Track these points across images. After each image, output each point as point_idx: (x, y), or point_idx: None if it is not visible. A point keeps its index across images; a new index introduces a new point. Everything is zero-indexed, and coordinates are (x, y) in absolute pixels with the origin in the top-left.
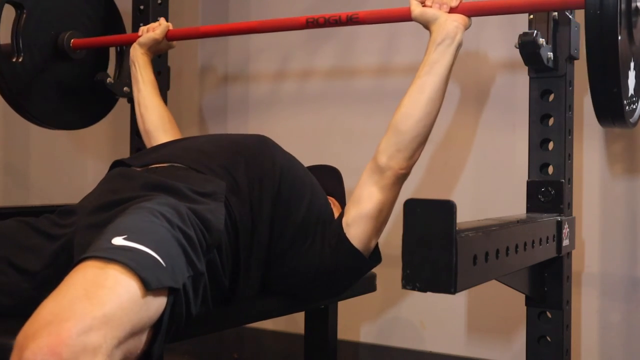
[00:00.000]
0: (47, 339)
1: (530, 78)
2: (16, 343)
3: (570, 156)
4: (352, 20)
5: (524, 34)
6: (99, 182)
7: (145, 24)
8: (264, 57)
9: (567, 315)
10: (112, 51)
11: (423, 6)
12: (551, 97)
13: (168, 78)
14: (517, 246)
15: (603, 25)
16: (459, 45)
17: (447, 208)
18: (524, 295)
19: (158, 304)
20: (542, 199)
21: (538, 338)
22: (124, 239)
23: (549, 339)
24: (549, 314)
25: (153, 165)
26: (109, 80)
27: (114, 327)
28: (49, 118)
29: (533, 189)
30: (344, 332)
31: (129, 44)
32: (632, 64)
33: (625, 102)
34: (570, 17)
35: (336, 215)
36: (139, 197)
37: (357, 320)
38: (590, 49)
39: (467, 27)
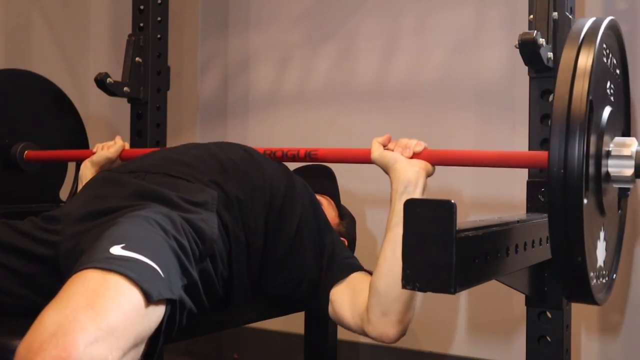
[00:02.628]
0: (54, 351)
1: (530, 78)
2: (18, 354)
3: None
4: (310, 157)
5: (524, 34)
6: (83, 187)
7: (145, 24)
8: (264, 57)
9: (567, 315)
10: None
11: (385, 148)
12: (551, 97)
13: (168, 78)
14: (517, 246)
15: (567, 187)
16: (424, 190)
17: (447, 208)
18: (524, 295)
19: (158, 314)
20: (542, 199)
21: (538, 338)
22: (122, 247)
23: (549, 339)
24: (549, 314)
25: (141, 172)
26: (109, 80)
27: (119, 338)
28: None
29: (533, 189)
30: (344, 332)
31: (84, 159)
32: (601, 234)
33: (592, 274)
34: (570, 17)
35: (329, 217)
36: (129, 207)
37: None
38: (552, 211)
39: (429, 174)
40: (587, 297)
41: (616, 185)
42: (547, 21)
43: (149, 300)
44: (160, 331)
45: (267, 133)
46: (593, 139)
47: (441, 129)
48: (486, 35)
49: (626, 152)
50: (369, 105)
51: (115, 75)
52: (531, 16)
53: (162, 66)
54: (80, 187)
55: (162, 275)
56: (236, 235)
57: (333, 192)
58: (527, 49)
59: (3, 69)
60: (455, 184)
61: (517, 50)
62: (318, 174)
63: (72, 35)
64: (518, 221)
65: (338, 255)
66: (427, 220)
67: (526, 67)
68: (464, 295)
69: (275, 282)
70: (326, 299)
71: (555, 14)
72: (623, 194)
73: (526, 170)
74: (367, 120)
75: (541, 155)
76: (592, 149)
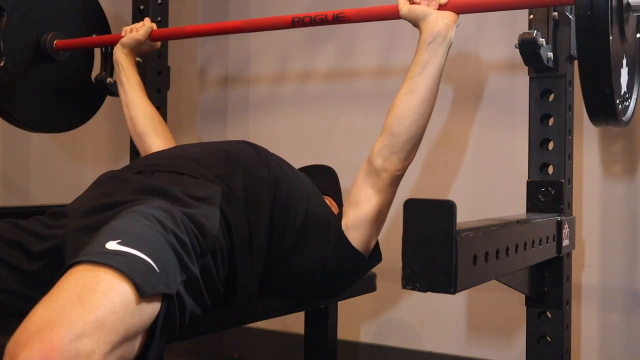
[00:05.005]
0: (39, 346)
1: (530, 78)
2: (7, 350)
3: (570, 156)
4: (338, 19)
5: (524, 33)
6: (89, 185)
7: None
8: (264, 57)
9: (567, 315)
10: (97, 52)
11: (411, 3)
12: (551, 97)
13: (168, 78)
14: (517, 246)
15: (594, 26)
16: (450, 44)
17: (447, 208)
18: (524, 295)
19: (151, 309)
20: (542, 199)
21: (538, 338)
22: (118, 243)
23: (549, 339)
24: (549, 314)
25: (148, 172)
26: (109, 80)
27: (106, 332)
28: (34, 121)
29: (533, 189)
30: (344, 332)
31: (113, 44)
32: (624, 61)
33: (617, 101)
34: (570, 17)
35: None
36: (132, 200)
37: (357, 320)
38: (581, 51)
39: (457, 25)
40: (615, 121)
41: (635, 14)
42: (547, 21)
43: (142, 294)
44: (157, 326)
45: (267, 133)
46: None
47: (441, 129)
48: (486, 35)
49: None
50: (369, 105)
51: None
52: (531, 16)
53: (162, 66)
54: (118, 69)
55: (157, 270)
56: (239, 232)
57: (335, 192)
58: (527, 49)
59: None
60: (455, 184)
61: (517, 50)
62: (320, 173)
63: None
64: (518, 221)
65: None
66: (427, 220)
67: (526, 67)
68: (464, 295)
69: (282, 275)
70: (345, 240)
71: (555, 14)
72: None
73: (526, 170)
74: (367, 120)
75: None
76: None
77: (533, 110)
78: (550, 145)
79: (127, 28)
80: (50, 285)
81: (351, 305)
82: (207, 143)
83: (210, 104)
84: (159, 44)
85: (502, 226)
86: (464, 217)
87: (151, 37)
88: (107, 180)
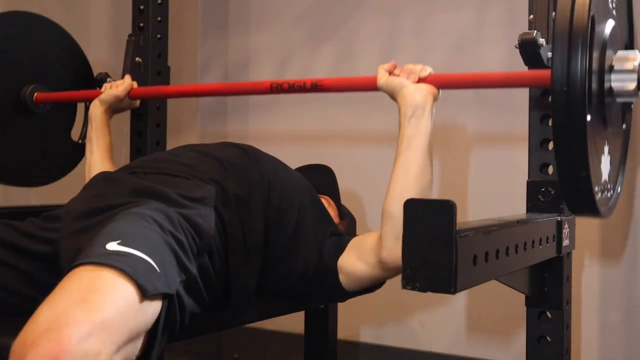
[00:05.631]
0: (47, 345)
1: None
2: (13, 350)
3: None
4: (316, 87)
5: (524, 33)
6: (83, 187)
7: (145, 24)
8: (264, 57)
9: (567, 315)
10: (81, 106)
11: (390, 74)
12: (551, 97)
13: (168, 78)
14: (517, 246)
15: (570, 103)
16: (432, 114)
17: (447, 208)
18: (524, 295)
19: (153, 309)
20: (542, 199)
21: (538, 338)
22: (118, 244)
23: (549, 339)
24: (549, 314)
25: (141, 173)
26: (109, 80)
27: (112, 333)
28: (10, 176)
29: (533, 189)
30: (344, 332)
31: (93, 99)
32: (605, 148)
33: (596, 188)
34: None
35: (331, 213)
36: (127, 203)
37: (357, 320)
38: (556, 128)
39: (436, 98)
40: (592, 210)
41: (619, 100)
42: (547, 21)
43: (144, 294)
44: (158, 326)
45: (267, 133)
46: (596, 54)
47: (441, 130)
48: (486, 35)
49: (629, 66)
50: (369, 105)
51: (116, 75)
52: (531, 16)
53: (162, 66)
54: (90, 126)
55: (158, 270)
56: (234, 232)
57: (333, 192)
58: (527, 49)
59: (10, 11)
60: (456, 184)
61: (517, 50)
62: (317, 173)
63: (72, 35)
64: (518, 221)
65: (339, 238)
66: (427, 220)
67: (526, 67)
68: (464, 295)
69: (277, 277)
70: (335, 275)
71: (555, 13)
72: (627, 108)
73: (526, 170)
74: (367, 120)
75: (544, 73)
76: (595, 64)
77: (533, 110)
78: (550, 145)
79: (108, 84)
80: (48, 287)
81: (351, 305)
82: (199, 149)
83: (210, 104)
84: (138, 102)
85: (502, 226)
86: (464, 217)
87: (130, 95)
88: (100, 182)
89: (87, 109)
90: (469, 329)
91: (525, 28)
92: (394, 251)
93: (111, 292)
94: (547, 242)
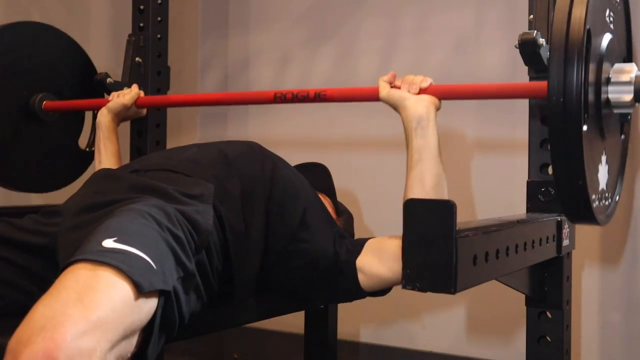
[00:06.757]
0: (42, 343)
1: (530, 78)
2: (9, 348)
3: None
4: (319, 97)
5: (524, 34)
6: (84, 183)
7: (145, 24)
8: (264, 57)
9: (567, 315)
10: (89, 115)
11: (392, 87)
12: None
13: (168, 78)
14: (517, 246)
15: (566, 114)
16: (436, 124)
17: (447, 208)
18: (524, 295)
19: (149, 306)
20: (542, 199)
21: (538, 338)
22: (115, 241)
23: (549, 339)
24: (549, 314)
25: (142, 170)
26: (109, 80)
27: (107, 331)
28: (18, 182)
29: (533, 189)
30: (344, 332)
31: (100, 108)
32: (603, 158)
33: (594, 196)
34: None
35: (329, 210)
36: (126, 199)
37: (357, 320)
38: (552, 137)
39: (438, 108)
40: (589, 218)
41: (616, 111)
42: (547, 21)
43: (140, 291)
44: (154, 323)
45: (267, 133)
46: (592, 66)
47: (441, 130)
48: (486, 35)
49: (625, 78)
50: (369, 105)
51: (115, 75)
52: (531, 16)
53: (162, 66)
54: (98, 134)
55: (155, 267)
56: (235, 229)
57: (329, 189)
58: (527, 49)
59: (18, 22)
60: (456, 184)
61: (517, 50)
62: (313, 171)
63: (72, 35)
64: (518, 221)
65: (348, 238)
66: (427, 220)
67: (526, 67)
68: (464, 295)
69: (285, 270)
70: (354, 273)
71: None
72: (624, 119)
73: (526, 170)
74: (367, 121)
75: (541, 85)
76: (592, 76)
77: (533, 110)
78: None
79: (115, 93)
80: (45, 281)
81: (351, 305)
82: (204, 144)
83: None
84: (145, 111)
85: (502, 226)
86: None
87: (137, 103)
88: (100, 178)
89: (94, 117)
90: (469, 329)
91: (525, 28)
92: None
93: (107, 290)
94: (547, 242)
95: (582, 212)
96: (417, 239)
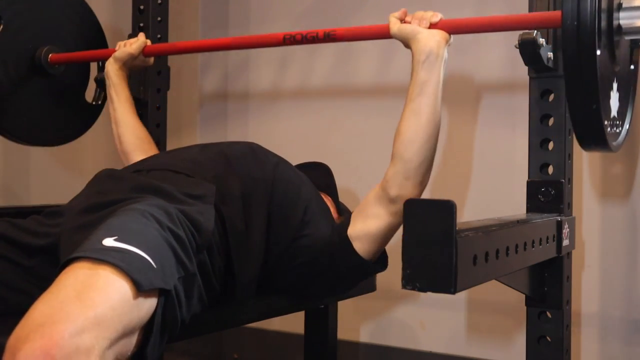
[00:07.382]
0: (40, 341)
1: (530, 78)
2: (8, 345)
3: (570, 156)
4: (329, 37)
5: (524, 33)
6: (87, 184)
7: (145, 24)
8: (264, 57)
9: (567, 315)
10: (94, 66)
11: (402, 22)
12: (551, 97)
13: (168, 78)
14: (517, 246)
15: (580, 38)
16: (444, 61)
17: (447, 208)
18: (524, 295)
19: (149, 305)
20: (542, 199)
21: (538, 338)
22: (115, 239)
23: (549, 339)
24: (549, 314)
25: (143, 170)
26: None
27: (105, 329)
28: (27, 135)
29: (533, 189)
30: (344, 332)
31: (107, 58)
32: (614, 85)
33: (606, 122)
34: None
35: (332, 211)
36: (128, 199)
37: (357, 320)
38: (567, 63)
39: (448, 44)
40: (602, 143)
41: (628, 37)
42: None
43: (139, 290)
44: (154, 322)
45: (267, 133)
46: None
47: (441, 130)
48: (486, 35)
49: (637, 2)
50: (369, 105)
51: None
52: None
53: (162, 66)
54: (108, 83)
55: (155, 266)
56: (236, 229)
57: (330, 189)
58: (527, 49)
59: None
60: (456, 184)
61: (517, 50)
62: (315, 171)
63: None
64: (518, 221)
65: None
66: (427, 220)
67: (526, 67)
68: (464, 295)
69: (287, 268)
70: (349, 244)
71: None
72: (635, 45)
73: (526, 170)
74: (367, 120)
75: (555, 14)
76: (604, 3)
77: (533, 110)
78: (550, 145)
79: (122, 42)
80: (48, 281)
81: (351, 305)
82: (206, 145)
83: (210, 104)
84: (152, 60)
85: (502, 226)
86: (465, 217)
87: (144, 52)
88: (103, 179)
89: (99, 70)
90: (469, 329)
91: None
92: (404, 188)
93: (106, 288)
94: (547, 242)
95: (596, 137)
96: (417, 239)
